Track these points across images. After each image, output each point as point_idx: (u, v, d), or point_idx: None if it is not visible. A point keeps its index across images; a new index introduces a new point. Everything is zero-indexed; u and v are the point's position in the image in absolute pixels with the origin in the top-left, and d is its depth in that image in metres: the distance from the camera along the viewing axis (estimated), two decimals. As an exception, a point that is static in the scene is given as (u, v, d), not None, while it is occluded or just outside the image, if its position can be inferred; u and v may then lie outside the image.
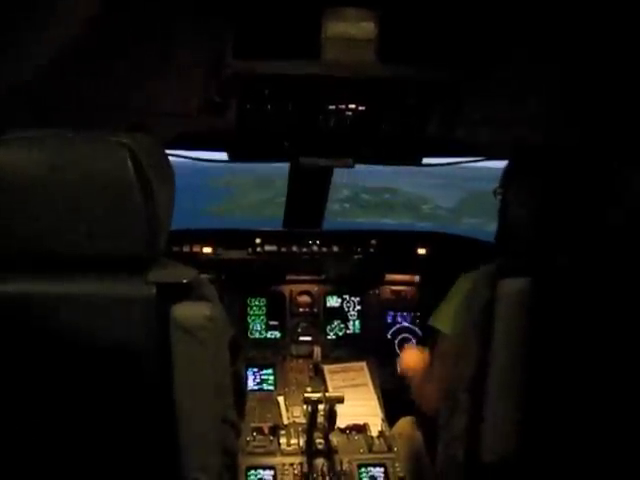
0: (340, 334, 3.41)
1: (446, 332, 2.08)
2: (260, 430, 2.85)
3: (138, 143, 1.48)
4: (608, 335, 1.83)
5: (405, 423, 2.96)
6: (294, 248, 3.30)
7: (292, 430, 2.87)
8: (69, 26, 1.65)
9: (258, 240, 3.28)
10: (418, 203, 27.89)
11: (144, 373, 1.54)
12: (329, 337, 3.39)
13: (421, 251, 3.40)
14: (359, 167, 2.81)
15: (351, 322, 3.43)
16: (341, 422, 2.82)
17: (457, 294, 2.03)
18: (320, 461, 2.69)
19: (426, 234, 3.53)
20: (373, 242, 3.37)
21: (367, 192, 27.60)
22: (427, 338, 3.33)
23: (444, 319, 2.11)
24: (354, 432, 2.90)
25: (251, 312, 3.38)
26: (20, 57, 1.79)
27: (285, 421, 2.97)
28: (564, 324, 1.84)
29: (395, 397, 3.12)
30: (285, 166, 3.16)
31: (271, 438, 2.82)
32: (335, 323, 3.42)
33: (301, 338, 3.35)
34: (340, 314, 3.43)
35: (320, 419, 2.70)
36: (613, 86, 2.03)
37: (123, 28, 1.70)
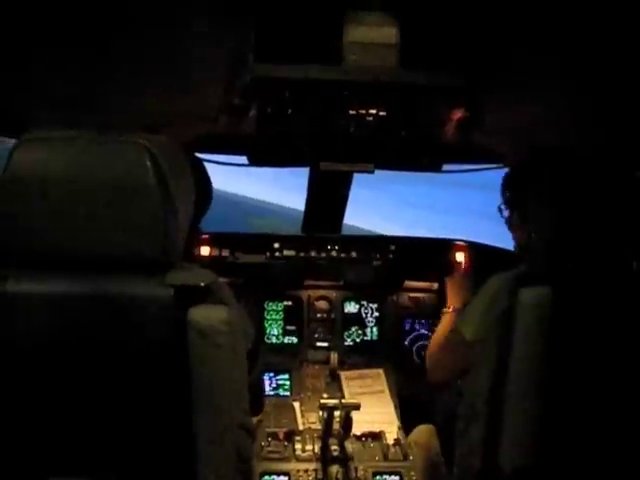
0: (357, 340, 3.39)
1: (468, 338, 2.06)
2: (275, 435, 2.83)
3: (158, 145, 1.48)
4: (628, 346, 1.80)
5: (422, 431, 2.93)
6: (313, 253, 3.29)
7: (307, 436, 2.85)
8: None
9: (277, 245, 3.27)
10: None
11: (160, 376, 1.53)
12: (346, 343, 3.37)
13: (440, 258, 3.37)
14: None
15: (369, 328, 3.40)
16: (357, 429, 2.80)
17: (484, 296, 2.00)
18: (335, 468, 2.67)
19: (445, 241, 3.51)
20: (392, 248, 3.34)
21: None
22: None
23: (468, 322, 2.08)
24: (370, 439, 2.87)
25: (268, 317, 3.36)
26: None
27: (300, 427, 2.95)
28: (584, 334, 1.81)
29: (412, 405, 3.10)
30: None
31: (286, 444, 2.81)
32: (353, 329, 3.39)
33: (318, 344, 3.32)
34: (358, 320, 3.41)
35: (336, 425, 2.68)
36: (635, 94, 2.00)
37: (144, 31, 1.71)
